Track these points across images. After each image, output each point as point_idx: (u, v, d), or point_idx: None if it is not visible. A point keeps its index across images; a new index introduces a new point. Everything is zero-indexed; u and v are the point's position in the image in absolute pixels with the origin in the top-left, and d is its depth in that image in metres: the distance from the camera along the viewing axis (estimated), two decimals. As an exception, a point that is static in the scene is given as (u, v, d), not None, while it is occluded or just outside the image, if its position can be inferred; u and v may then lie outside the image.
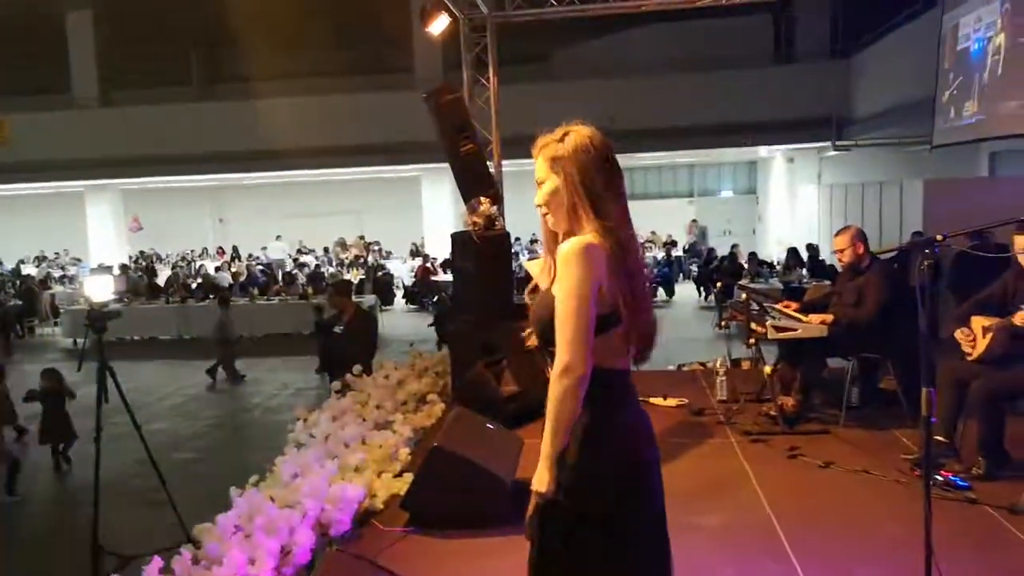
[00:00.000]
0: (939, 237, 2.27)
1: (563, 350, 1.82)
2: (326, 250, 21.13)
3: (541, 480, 1.90)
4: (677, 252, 19.17)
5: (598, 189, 1.89)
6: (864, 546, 3.30)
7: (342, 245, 21.15)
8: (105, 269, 15.32)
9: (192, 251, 22.11)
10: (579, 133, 1.94)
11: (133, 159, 17.25)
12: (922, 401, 2.38)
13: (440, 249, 16.78)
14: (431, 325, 12.33)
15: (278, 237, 21.08)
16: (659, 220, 20.21)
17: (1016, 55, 8.02)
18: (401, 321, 15.24)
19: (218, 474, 6.14)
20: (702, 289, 15.39)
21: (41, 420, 6.72)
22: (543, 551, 1.95)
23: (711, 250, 17.19)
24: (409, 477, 3.94)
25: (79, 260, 20.24)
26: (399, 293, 17.42)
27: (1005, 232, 4.06)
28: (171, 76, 20.02)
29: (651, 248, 18.90)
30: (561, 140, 1.95)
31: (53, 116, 17.48)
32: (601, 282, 1.82)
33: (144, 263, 18.91)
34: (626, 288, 1.84)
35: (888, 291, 4.63)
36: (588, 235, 1.86)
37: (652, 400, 5.37)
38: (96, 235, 19.89)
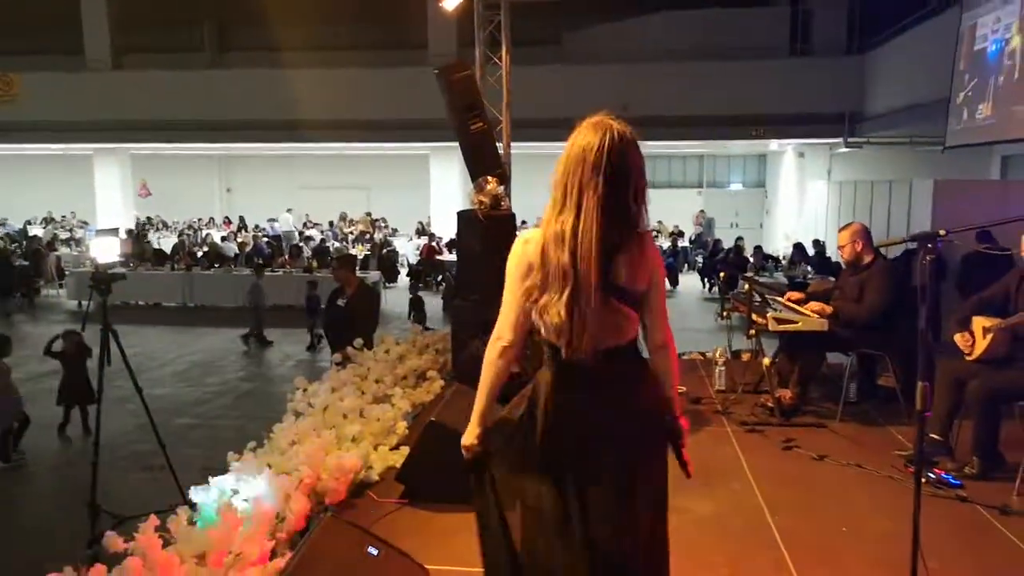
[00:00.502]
0: (942, 232, 2.27)
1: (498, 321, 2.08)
2: (331, 224, 21.14)
3: (466, 433, 2.15)
4: (683, 243, 19.15)
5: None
6: (853, 539, 3.33)
7: (344, 219, 21.17)
8: (115, 232, 15.32)
9: (199, 219, 22.15)
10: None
11: (143, 124, 17.24)
12: (916, 395, 2.39)
13: (446, 229, 16.76)
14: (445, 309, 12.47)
15: (289, 209, 21.15)
16: (667, 210, 20.17)
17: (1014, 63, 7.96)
18: (404, 299, 15.24)
19: (218, 440, 6.20)
20: (707, 280, 15.39)
21: (61, 381, 6.74)
22: (475, 503, 2.17)
23: (717, 241, 17.16)
24: (405, 451, 3.97)
25: (86, 223, 20.30)
26: (403, 271, 17.45)
27: (1009, 235, 4.05)
28: (184, 42, 19.96)
29: (657, 238, 18.88)
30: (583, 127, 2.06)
31: (64, 77, 17.45)
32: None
33: (136, 230, 18.92)
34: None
35: (889, 289, 4.64)
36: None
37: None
38: (104, 199, 19.91)
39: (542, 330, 2.04)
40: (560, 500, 2.01)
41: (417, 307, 11.70)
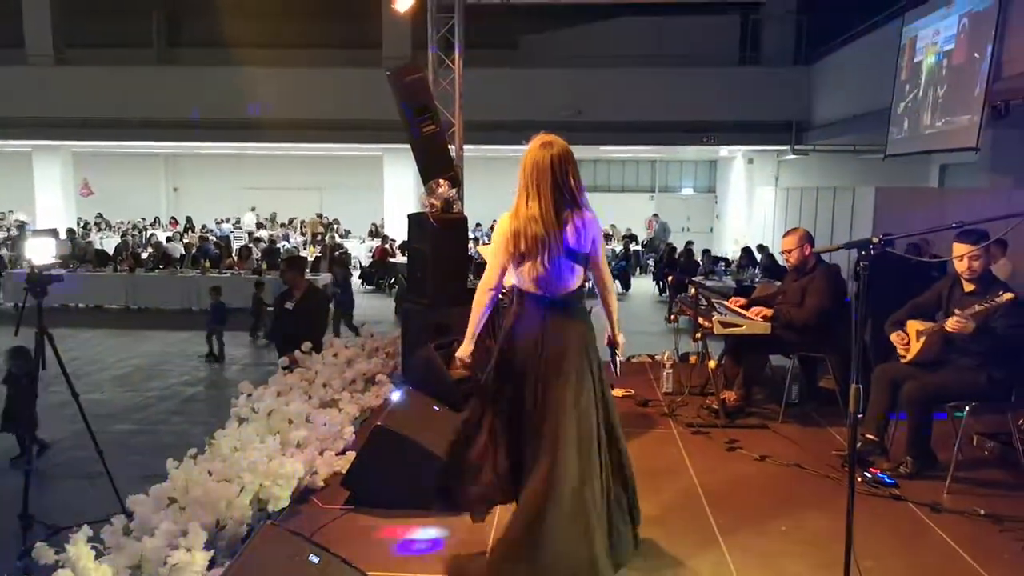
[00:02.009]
0: (875, 239, 2.33)
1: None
2: (282, 225, 20.86)
3: (461, 349, 3.13)
4: (636, 247, 19.36)
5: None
6: (791, 537, 3.40)
7: (271, 221, 21.07)
8: (50, 232, 14.82)
9: (143, 219, 21.60)
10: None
11: (86, 121, 16.73)
12: (850, 397, 2.46)
13: (400, 231, 16.66)
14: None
15: (252, 208, 20.98)
16: (620, 214, 20.37)
17: (971, 70, 8.24)
18: (356, 301, 15.11)
19: (159, 447, 6.04)
20: (660, 283, 15.59)
21: (6, 404, 6.06)
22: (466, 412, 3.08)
23: (670, 245, 17.41)
24: (352, 456, 3.93)
25: (24, 223, 19.60)
26: (356, 273, 17.26)
27: (944, 243, 4.20)
28: (131, 37, 19.37)
29: (609, 242, 19.04)
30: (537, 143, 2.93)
31: (2, 71, 16.82)
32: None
33: (78, 230, 18.37)
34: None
35: (829, 294, 4.77)
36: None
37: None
38: (43, 198, 19.25)
39: (517, 279, 2.94)
40: (526, 394, 2.88)
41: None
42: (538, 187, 2.83)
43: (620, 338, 3.15)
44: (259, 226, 20.55)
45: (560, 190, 2.84)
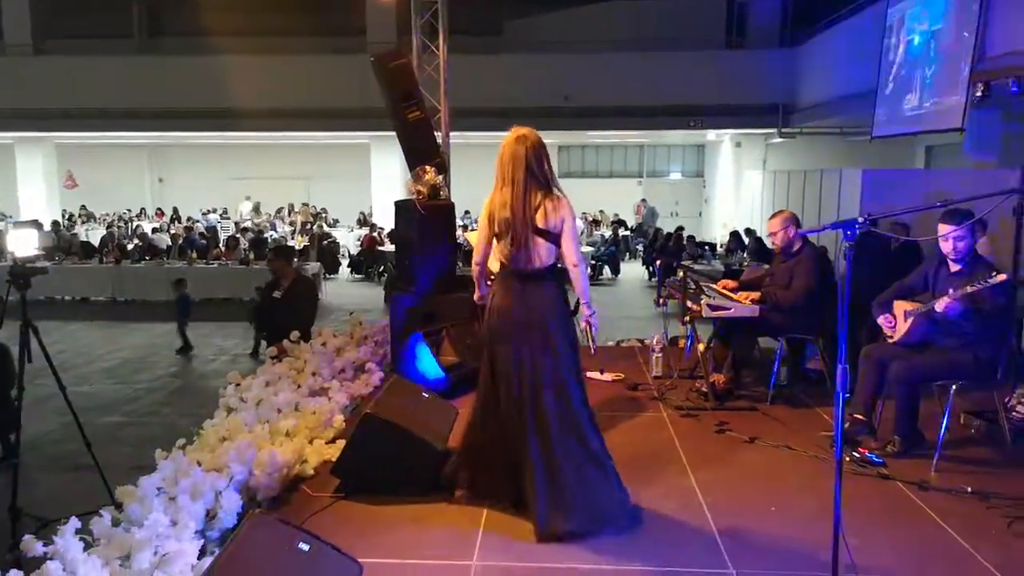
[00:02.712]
0: (860, 219, 2.33)
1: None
2: (268, 216, 20.75)
3: (475, 294, 3.71)
4: (624, 232, 19.36)
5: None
6: (780, 517, 3.43)
7: (254, 209, 21.03)
8: (32, 223, 14.67)
9: (129, 211, 21.41)
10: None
11: (68, 112, 16.53)
12: (836, 377, 2.47)
13: (388, 219, 16.61)
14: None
15: (248, 197, 20.92)
16: (608, 199, 20.36)
17: (956, 51, 8.24)
18: (345, 290, 15.08)
19: (148, 438, 6.00)
20: (649, 268, 15.62)
21: None
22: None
23: (658, 230, 17.42)
24: (342, 444, 3.92)
25: (7, 216, 19.40)
26: (344, 262, 17.21)
27: (930, 224, 4.21)
28: (112, 26, 19.11)
29: (598, 227, 19.03)
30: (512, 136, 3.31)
31: (-19, 62, 16.61)
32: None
33: (62, 222, 18.20)
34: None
35: (816, 275, 4.78)
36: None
37: (589, 374, 5.43)
38: (27, 190, 19.05)
39: (494, 255, 3.41)
40: (512, 359, 3.28)
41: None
42: (513, 176, 3.20)
43: (584, 309, 3.42)
44: (255, 211, 20.52)
45: (535, 178, 3.21)
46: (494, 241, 3.37)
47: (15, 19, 17.66)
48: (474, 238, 4.47)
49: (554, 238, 3.24)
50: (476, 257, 3.55)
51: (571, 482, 3.19)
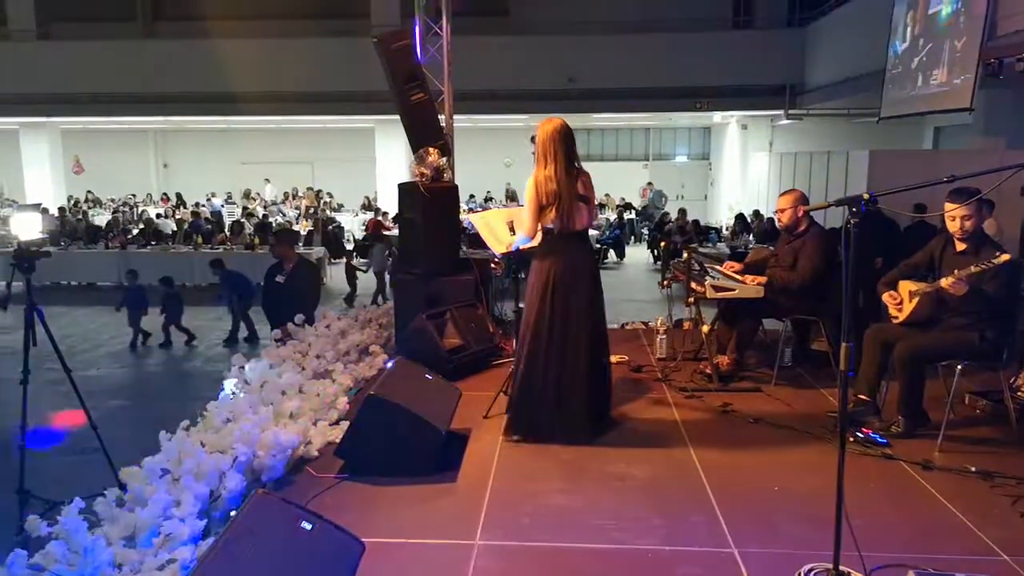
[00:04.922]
0: (866, 196, 2.31)
1: (522, 227, 4.11)
2: (273, 202, 20.77)
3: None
4: (630, 215, 19.30)
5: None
6: (784, 497, 3.42)
7: (249, 196, 21.02)
8: (37, 208, 14.73)
9: (134, 196, 21.44)
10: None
11: (72, 97, 16.52)
12: (841, 356, 2.45)
13: (393, 203, 16.59)
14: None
15: (267, 180, 21.15)
16: (614, 183, 20.27)
17: (965, 29, 8.07)
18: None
19: (153, 421, 6.03)
20: (655, 251, 15.59)
21: None
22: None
23: (665, 214, 17.36)
24: (346, 425, 3.93)
25: (13, 201, 19.46)
26: (349, 246, 17.18)
27: (938, 202, 4.17)
28: (115, 11, 19.06)
29: (603, 210, 18.96)
30: (548, 121, 3.95)
31: (-15, 48, 16.59)
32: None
33: (68, 207, 18.26)
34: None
35: (821, 257, 4.75)
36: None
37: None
38: (32, 175, 19.08)
39: (543, 221, 3.95)
40: (571, 305, 3.94)
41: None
42: (554, 155, 3.85)
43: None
44: (271, 203, 20.61)
45: (569, 157, 3.89)
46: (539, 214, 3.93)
47: (19, 4, 17.62)
48: (477, 219, 4.77)
49: (589, 202, 3.98)
50: (528, 231, 4.00)
51: (606, 388, 4.25)
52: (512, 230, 4.69)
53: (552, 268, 3.95)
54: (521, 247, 4.31)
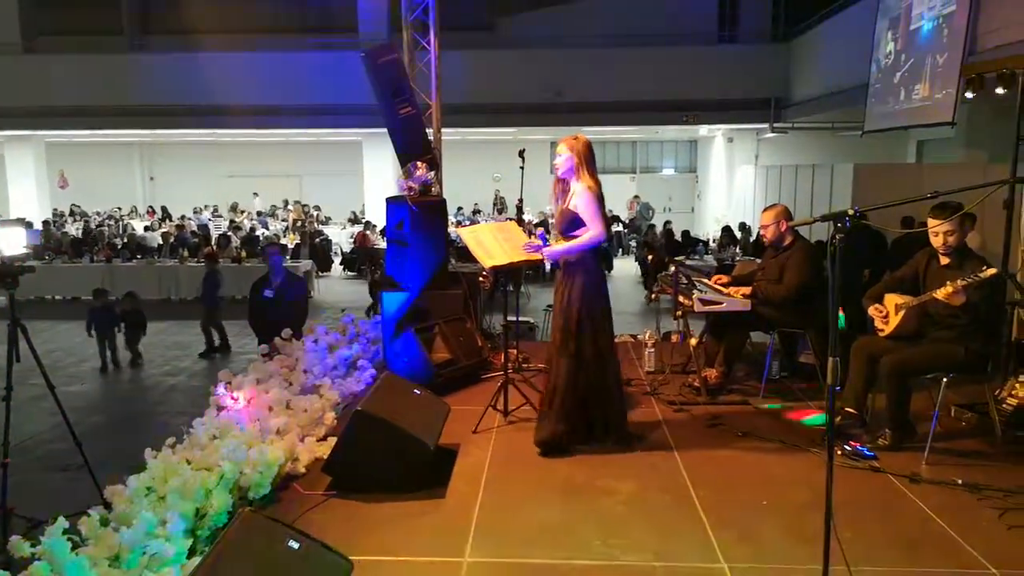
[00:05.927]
0: (850, 211, 2.33)
1: (595, 228, 4.03)
2: (260, 213, 20.70)
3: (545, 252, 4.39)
4: (617, 228, 19.36)
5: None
6: (772, 511, 3.42)
7: (235, 210, 20.96)
8: (19, 221, 14.59)
9: (119, 209, 21.32)
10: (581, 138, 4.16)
11: (57, 110, 16.42)
12: (828, 370, 2.46)
13: (381, 216, 16.57)
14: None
15: (255, 194, 21.15)
16: (602, 195, 20.32)
17: (947, 44, 8.17)
18: (338, 287, 15.05)
19: (139, 438, 5.99)
20: (642, 264, 15.64)
21: None
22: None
23: (652, 226, 17.43)
24: (334, 441, 3.90)
25: (-2, 215, 19.28)
26: (337, 259, 17.17)
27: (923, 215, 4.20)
28: (101, 24, 19.00)
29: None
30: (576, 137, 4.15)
31: (-31, 61, 16.46)
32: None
33: (52, 221, 18.12)
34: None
35: (807, 270, 4.78)
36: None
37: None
38: (17, 190, 18.93)
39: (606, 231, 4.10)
40: (609, 319, 4.24)
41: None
42: (591, 166, 4.09)
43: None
44: (258, 214, 20.54)
45: (594, 164, 4.14)
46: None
47: (4, 17, 17.54)
48: (466, 233, 4.78)
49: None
50: (601, 232, 4.04)
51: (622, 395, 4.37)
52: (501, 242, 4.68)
53: (599, 286, 4.15)
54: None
